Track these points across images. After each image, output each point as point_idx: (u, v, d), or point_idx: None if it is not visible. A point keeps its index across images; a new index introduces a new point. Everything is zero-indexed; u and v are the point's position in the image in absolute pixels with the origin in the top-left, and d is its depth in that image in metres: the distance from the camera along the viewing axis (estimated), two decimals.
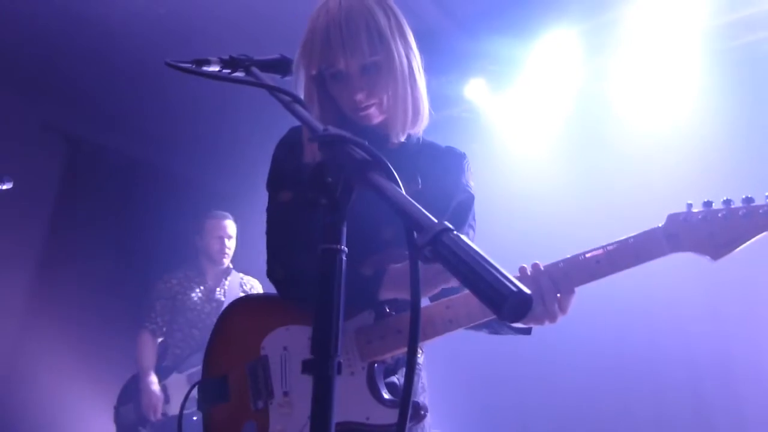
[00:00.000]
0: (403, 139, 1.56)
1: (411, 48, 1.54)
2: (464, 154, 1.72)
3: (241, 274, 4.06)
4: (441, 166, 1.64)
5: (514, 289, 0.56)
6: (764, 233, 1.37)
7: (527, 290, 0.57)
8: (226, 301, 3.76)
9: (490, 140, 4.35)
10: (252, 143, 4.93)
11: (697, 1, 3.43)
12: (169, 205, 3.83)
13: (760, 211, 1.36)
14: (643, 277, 3.69)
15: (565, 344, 3.65)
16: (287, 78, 1.50)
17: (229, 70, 1.39)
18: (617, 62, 3.80)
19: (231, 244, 3.96)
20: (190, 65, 1.35)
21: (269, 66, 1.45)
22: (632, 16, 3.56)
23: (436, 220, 0.66)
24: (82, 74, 4.52)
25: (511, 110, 4.30)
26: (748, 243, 1.39)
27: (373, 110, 1.51)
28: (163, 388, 3.65)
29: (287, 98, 1.15)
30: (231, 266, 4.01)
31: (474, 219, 1.70)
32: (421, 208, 0.69)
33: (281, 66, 1.47)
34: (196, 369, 3.59)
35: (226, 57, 1.41)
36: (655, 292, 3.46)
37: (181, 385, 3.64)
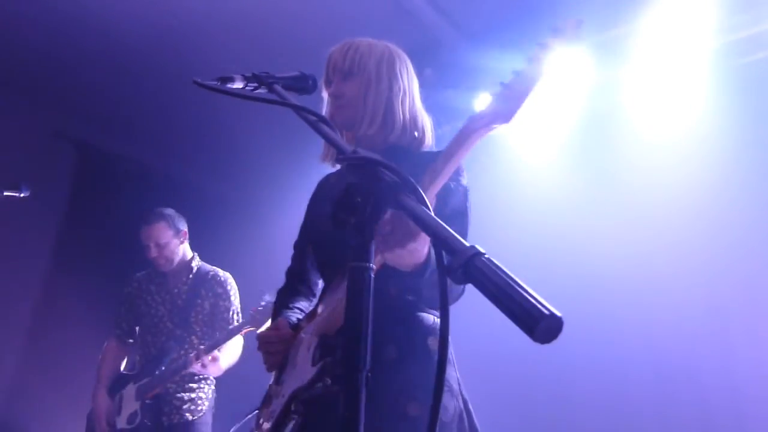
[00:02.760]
0: (369, 132, 1.79)
1: (396, 76, 1.85)
2: None
3: (215, 269, 3.68)
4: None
5: (546, 312, 0.60)
6: (541, 80, 1.35)
7: (558, 313, 0.60)
8: (189, 300, 3.55)
9: (500, 153, 4.38)
10: (266, 154, 5.00)
11: (707, 17, 3.47)
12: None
13: (534, 60, 1.37)
14: (657, 289, 3.68)
15: (572, 354, 3.67)
16: (308, 94, 1.56)
17: (252, 87, 1.43)
18: (627, 76, 3.83)
19: (160, 252, 3.56)
20: (215, 83, 1.40)
21: (291, 83, 1.49)
22: (642, 31, 3.60)
23: (467, 244, 0.70)
24: (93, 82, 4.58)
25: (521, 123, 4.32)
26: (532, 92, 1.37)
27: (343, 102, 1.81)
28: (119, 399, 3.45)
29: (313, 118, 1.18)
30: (195, 261, 3.66)
31: (468, 210, 1.77)
32: (451, 230, 0.73)
33: (302, 83, 1.52)
34: (147, 380, 3.41)
35: (248, 74, 1.46)
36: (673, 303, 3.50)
37: (131, 396, 3.43)
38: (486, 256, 0.67)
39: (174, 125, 5.03)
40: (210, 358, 3.26)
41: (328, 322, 1.55)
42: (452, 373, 1.64)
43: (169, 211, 3.66)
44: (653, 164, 3.75)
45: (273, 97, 1.40)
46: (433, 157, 1.61)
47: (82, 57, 4.33)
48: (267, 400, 1.72)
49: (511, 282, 0.63)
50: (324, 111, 1.90)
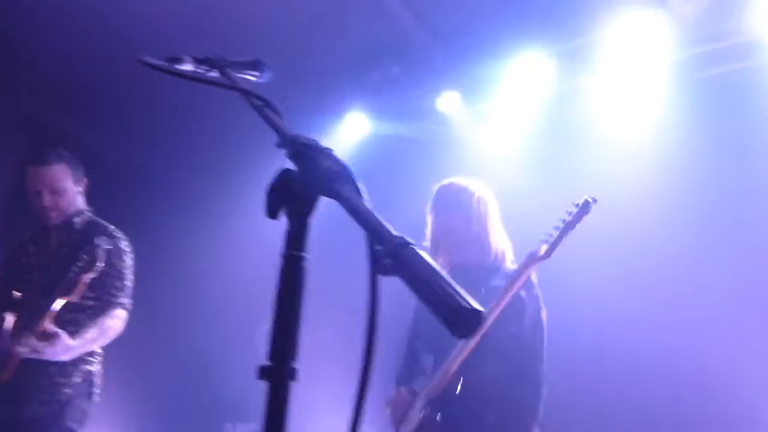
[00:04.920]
0: (468, 256, 2.51)
1: (489, 213, 2.59)
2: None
3: (107, 229, 2.93)
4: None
5: (467, 305, 0.58)
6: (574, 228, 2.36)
7: (480, 308, 0.59)
8: (61, 271, 2.69)
9: (462, 153, 4.40)
10: (228, 143, 4.89)
11: (668, 32, 3.56)
12: (136, 201, 3.72)
13: (573, 213, 2.39)
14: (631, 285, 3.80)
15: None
16: (261, 81, 1.53)
17: (203, 70, 1.38)
18: (591, 84, 3.91)
19: (56, 200, 2.83)
20: (163, 63, 1.34)
21: (244, 68, 1.45)
22: (605, 43, 3.68)
23: (396, 233, 0.68)
24: (47, 61, 4.43)
25: (484, 125, 4.37)
26: (563, 240, 2.37)
27: (448, 230, 2.58)
28: None
29: (259, 103, 1.15)
30: (81, 216, 2.94)
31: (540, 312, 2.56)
32: (382, 220, 0.71)
33: (256, 68, 1.47)
34: None
35: (200, 56, 1.41)
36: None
37: None
38: (414, 247, 0.65)
39: (134, 110, 4.89)
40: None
41: (434, 388, 2.35)
42: None
43: (66, 152, 2.94)
44: (613, 168, 3.86)
45: (223, 80, 1.36)
46: (512, 273, 2.37)
47: (37, 38, 4.19)
48: None
49: (435, 275, 0.61)
50: (426, 230, 2.60)
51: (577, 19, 3.69)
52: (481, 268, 2.46)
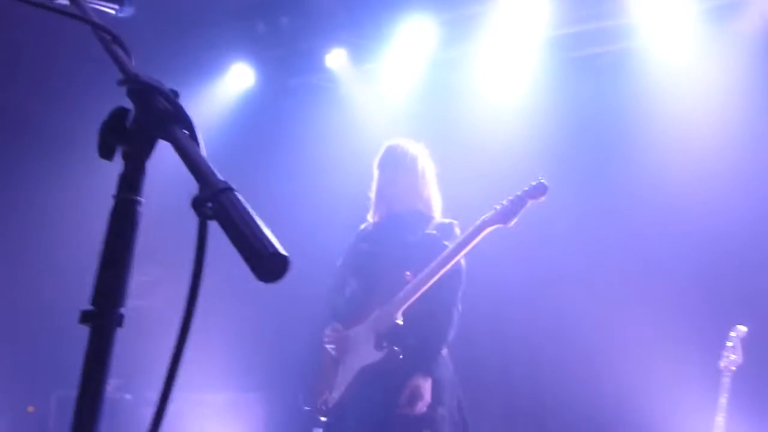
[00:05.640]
0: (410, 207, 2.92)
1: (430, 172, 2.99)
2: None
3: None
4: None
5: (274, 251, 0.60)
6: (530, 203, 2.59)
7: (285, 252, 0.61)
8: None
9: (347, 111, 4.41)
10: (78, 75, 4.47)
11: (547, 10, 3.73)
12: None
13: (524, 190, 2.62)
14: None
15: None
16: (121, 15, 1.43)
17: None
18: (471, 53, 4.04)
19: None
20: None
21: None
22: (488, 15, 3.80)
23: (222, 179, 0.68)
24: None
25: (370, 83, 4.40)
26: (522, 211, 2.58)
27: (397, 186, 2.93)
28: None
29: (108, 37, 1.09)
30: None
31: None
32: (211, 166, 0.70)
33: (115, 0, 1.38)
34: None
35: None
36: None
37: None
38: (235, 192, 0.66)
39: None
40: None
41: (377, 323, 2.74)
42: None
43: None
44: (490, 134, 4.02)
45: (71, 9, 1.26)
46: (447, 227, 2.87)
47: None
48: (330, 370, 2.81)
49: (249, 220, 0.63)
50: (373, 186, 2.98)
51: None
52: (418, 216, 2.88)
